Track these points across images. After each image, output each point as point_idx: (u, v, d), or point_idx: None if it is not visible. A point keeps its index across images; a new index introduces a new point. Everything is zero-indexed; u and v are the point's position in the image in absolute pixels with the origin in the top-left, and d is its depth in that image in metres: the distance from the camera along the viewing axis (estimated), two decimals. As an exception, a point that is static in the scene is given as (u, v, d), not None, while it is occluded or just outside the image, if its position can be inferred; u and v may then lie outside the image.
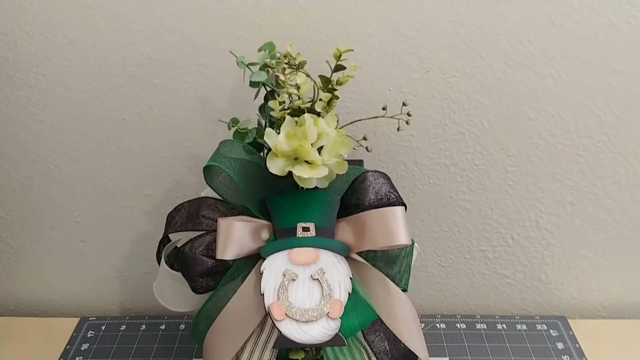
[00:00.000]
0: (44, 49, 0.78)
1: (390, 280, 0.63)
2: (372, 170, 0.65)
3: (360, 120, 0.70)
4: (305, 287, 0.60)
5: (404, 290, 0.64)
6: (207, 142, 0.81)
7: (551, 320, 0.86)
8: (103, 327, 0.87)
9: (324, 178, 0.63)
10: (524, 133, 0.80)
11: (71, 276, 0.91)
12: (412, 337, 0.63)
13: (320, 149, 0.61)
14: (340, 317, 0.59)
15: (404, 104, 0.68)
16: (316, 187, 0.65)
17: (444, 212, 0.85)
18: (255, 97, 0.66)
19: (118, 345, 0.83)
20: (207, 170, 0.63)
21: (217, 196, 0.66)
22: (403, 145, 0.81)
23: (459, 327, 0.85)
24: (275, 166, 0.60)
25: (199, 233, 0.64)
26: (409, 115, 0.68)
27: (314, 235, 0.62)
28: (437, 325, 0.86)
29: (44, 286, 0.92)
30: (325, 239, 0.62)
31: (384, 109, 0.68)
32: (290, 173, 0.61)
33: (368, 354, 0.64)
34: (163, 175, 0.84)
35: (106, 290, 0.92)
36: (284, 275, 0.60)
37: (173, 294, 0.69)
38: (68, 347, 0.83)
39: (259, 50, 0.68)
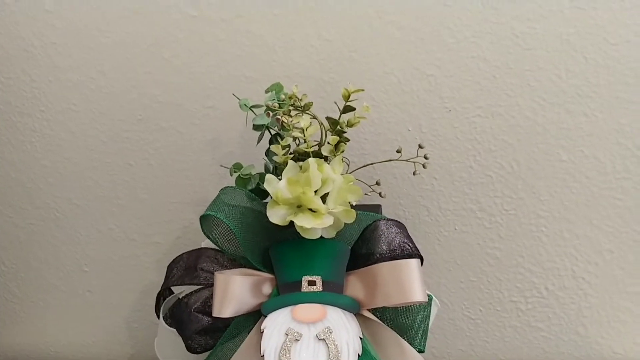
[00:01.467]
0: (47, 93, 0.75)
1: (405, 340, 0.57)
2: (384, 218, 0.60)
3: (373, 163, 0.65)
4: (310, 349, 0.54)
5: (421, 351, 0.58)
6: (217, 186, 0.76)
7: (592, 378, 0.79)
8: (109, 383, 0.83)
9: (330, 228, 0.58)
10: (556, 175, 0.73)
11: (78, 327, 0.87)
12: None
13: (326, 197, 0.57)
14: (348, 383, 0.53)
15: (420, 147, 0.62)
16: (322, 236, 0.60)
17: (472, 261, 0.78)
18: (259, 142, 0.62)
19: (123, 403, 0.79)
20: (205, 220, 0.58)
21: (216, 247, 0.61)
22: (425, 189, 0.75)
23: (489, 385, 0.79)
24: (276, 215, 0.56)
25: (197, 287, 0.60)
26: (426, 158, 0.63)
27: (321, 289, 0.57)
28: (466, 384, 0.79)
29: (49, 337, 0.88)
30: (333, 294, 0.57)
31: (398, 151, 0.63)
32: (292, 222, 0.57)
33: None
34: (171, 221, 0.80)
35: (114, 342, 0.87)
36: (287, 334, 0.55)
37: (173, 350, 0.64)
38: (71, 404, 0.79)
39: (266, 91, 0.64)
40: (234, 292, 0.57)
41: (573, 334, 0.81)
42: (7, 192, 0.81)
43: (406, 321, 0.58)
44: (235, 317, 0.58)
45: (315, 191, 0.56)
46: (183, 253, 0.63)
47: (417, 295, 0.54)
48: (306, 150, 0.58)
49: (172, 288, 0.65)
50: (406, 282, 0.55)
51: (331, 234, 0.58)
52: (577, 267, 0.77)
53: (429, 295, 0.59)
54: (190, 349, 0.59)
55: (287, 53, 0.72)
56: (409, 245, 0.58)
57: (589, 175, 0.73)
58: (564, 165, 0.73)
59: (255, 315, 0.57)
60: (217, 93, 0.73)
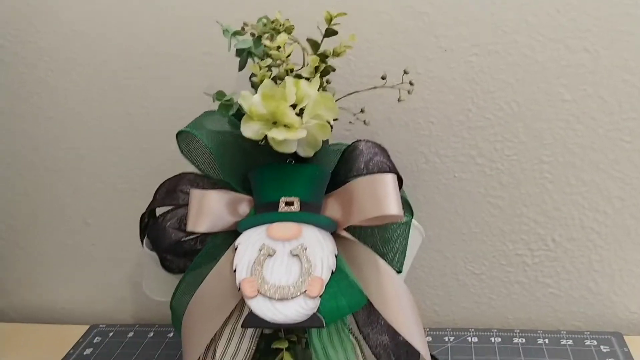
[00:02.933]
0: (50, 42, 0.77)
1: (383, 259, 0.56)
2: (364, 140, 0.58)
3: (357, 92, 0.63)
4: (283, 264, 0.53)
5: (398, 271, 0.56)
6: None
7: (603, 336, 0.74)
8: (111, 334, 0.83)
9: (307, 146, 0.57)
10: (559, 117, 0.71)
11: (82, 282, 0.88)
12: (407, 324, 0.54)
13: (302, 114, 0.56)
14: (320, 297, 0.52)
15: (405, 72, 0.61)
16: (304, 160, 0.59)
17: (473, 211, 0.76)
18: (241, 68, 0.61)
19: (122, 351, 0.78)
20: (182, 138, 0.58)
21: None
22: (422, 135, 0.74)
23: (493, 340, 0.75)
24: (250, 130, 0.55)
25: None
26: (411, 84, 0.61)
27: (298, 210, 0.56)
28: (469, 338, 0.76)
29: (54, 293, 0.89)
30: (309, 214, 0.56)
31: (383, 78, 0.61)
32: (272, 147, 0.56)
33: (361, 348, 0.56)
34: (172, 171, 0.80)
35: (117, 298, 0.88)
36: (260, 250, 0.54)
37: (156, 281, 0.64)
38: (71, 351, 0.79)
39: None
40: (210, 206, 0.56)
41: (584, 289, 0.77)
42: (14, 145, 0.83)
43: (382, 240, 0.56)
44: (210, 237, 0.58)
45: (292, 107, 0.55)
46: (166, 179, 0.63)
47: (392, 208, 0.52)
48: (285, 69, 0.57)
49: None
50: (381, 196, 0.53)
51: (308, 153, 0.57)
52: (585, 216, 0.74)
53: (410, 218, 0.58)
54: (165, 266, 0.58)
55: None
56: (387, 165, 0.57)
57: (594, 116, 0.70)
58: (566, 106, 0.70)
59: (231, 239, 0.56)
60: (211, 39, 0.74)
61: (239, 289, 0.52)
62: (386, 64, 0.71)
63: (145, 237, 0.63)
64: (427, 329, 0.78)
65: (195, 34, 0.74)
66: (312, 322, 0.51)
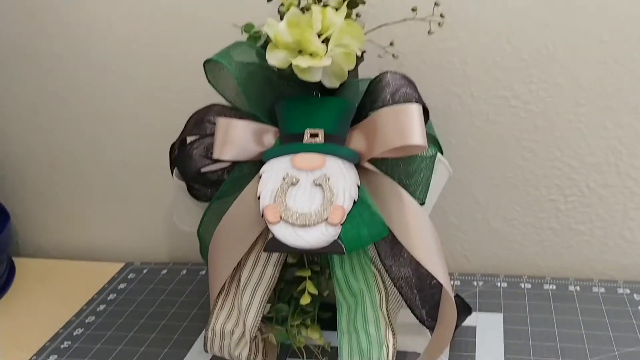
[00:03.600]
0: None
1: (406, 191, 0.55)
2: (391, 71, 0.58)
3: (386, 24, 0.63)
4: (306, 193, 0.54)
5: (421, 203, 0.56)
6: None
7: (638, 285, 0.73)
8: (145, 271, 0.85)
9: (333, 76, 0.57)
10: (597, 58, 0.69)
11: (120, 222, 0.90)
12: (429, 255, 0.54)
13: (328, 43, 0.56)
14: (341, 225, 0.52)
15: (435, 4, 0.60)
16: (330, 93, 0.59)
17: (506, 155, 0.75)
18: (270, -1, 0.61)
19: (155, 286, 0.81)
20: (209, 67, 0.59)
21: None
22: (456, 75, 0.73)
23: (523, 286, 0.74)
24: (275, 58, 0.55)
25: (202, 138, 0.60)
26: (442, 16, 0.60)
27: (322, 142, 0.56)
28: (498, 284, 0.75)
29: (93, 232, 0.92)
30: (333, 146, 0.56)
31: (413, 9, 0.61)
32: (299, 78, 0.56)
33: (383, 279, 0.56)
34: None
35: (154, 237, 0.90)
36: (284, 179, 0.54)
37: (186, 211, 0.65)
38: (106, 286, 0.82)
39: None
40: (236, 135, 0.57)
41: (619, 238, 0.75)
42: (55, 84, 0.85)
43: (406, 172, 0.56)
44: (236, 166, 0.58)
45: (318, 36, 0.55)
46: (196, 111, 0.63)
47: (416, 138, 0.52)
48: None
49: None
50: (405, 126, 0.53)
51: (334, 83, 0.57)
52: (621, 162, 0.72)
53: (436, 152, 0.57)
54: (193, 194, 0.60)
55: None
56: (414, 96, 0.56)
57: (634, 57, 0.68)
58: (605, 47, 0.68)
59: (256, 169, 0.57)
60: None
61: (262, 215, 0.53)
62: (423, 8, 0.70)
63: (175, 167, 0.64)
64: (456, 274, 0.78)
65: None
66: (333, 248, 0.52)
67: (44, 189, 0.92)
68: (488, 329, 0.67)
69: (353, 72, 0.65)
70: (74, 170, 0.90)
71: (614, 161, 0.72)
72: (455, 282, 0.76)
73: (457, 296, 0.66)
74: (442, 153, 0.61)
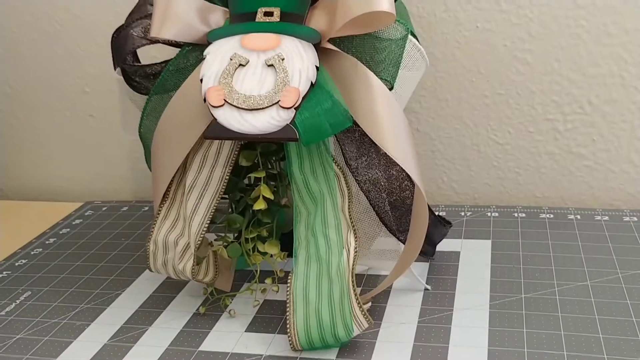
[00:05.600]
0: None
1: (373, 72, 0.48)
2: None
3: None
4: (256, 74, 0.47)
5: (390, 87, 0.48)
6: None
7: (644, 212, 0.65)
8: (104, 209, 0.78)
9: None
10: (598, -49, 0.61)
11: (81, 159, 0.83)
12: (399, 146, 0.47)
13: None
14: (295, 109, 0.45)
15: None
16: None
17: (498, 68, 0.67)
18: None
19: (112, 221, 0.73)
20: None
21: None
22: (441, -23, 0.65)
23: (516, 215, 0.67)
24: None
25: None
26: None
27: (278, 20, 0.49)
28: (488, 214, 0.68)
29: (52, 170, 0.85)
30: (289, 24, 0.49)
31: None
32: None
33: (347, 181, 0.49)
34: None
35: (117, 176, 0.82)
36: (231, 59, 0.47)
37: (131, 113, 0.58)
38: (60, 222, 0.75)
39: None
40: (177, 10, 0.49)
41: (625, 162, 0.67)
42: (7, 3, 0.78)
43: (373, 51, 0.48)
44: (178, 54, 0.51)
45: None
46: (142, -2, 0.56)
47: (383, 3, 0.45)
48: None
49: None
50: (370, -10, 0.45)
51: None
52: (627, 72, 0.64)
53: (408, 31, 0.49)
54: (133, 86, 0.52)
55: None
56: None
57: (639, -51, 0.60)
58: (607, -63, 0.61)
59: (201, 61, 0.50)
60: None
61: (204, 99, 0.46)
62: None
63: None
64: (442, 206, 0.70)
65: None
66: (285, 133, 0.45)
67: (1, 127, 0.85)
68: (473, 254, 0.60)
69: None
70: (31, 104, 0.82)
71: (619, 72, 0.64)
72: (441, 213, 0.68)
73: (436, 215, 0.58)
74: (414, 35, 0.53)
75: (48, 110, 0.82)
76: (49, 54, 0.79)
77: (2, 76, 0.82)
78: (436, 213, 0.67)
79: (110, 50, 0.56)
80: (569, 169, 0.69)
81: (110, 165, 0.82)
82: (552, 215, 0.66)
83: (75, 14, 0.76)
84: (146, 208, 0.76)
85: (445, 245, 0.59)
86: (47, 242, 0.70)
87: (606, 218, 0.65)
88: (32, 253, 0.67)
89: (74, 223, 0.74)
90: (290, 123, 0.44)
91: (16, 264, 0.65)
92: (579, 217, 0.65)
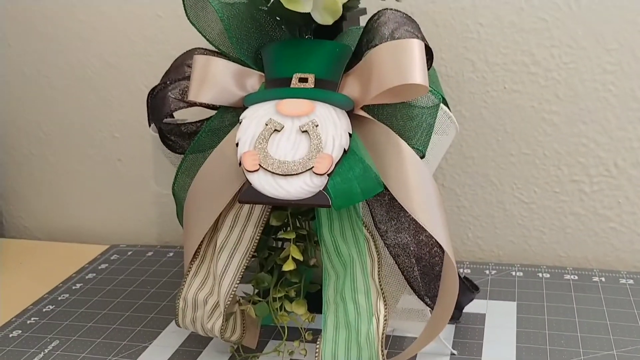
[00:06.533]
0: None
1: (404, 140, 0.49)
2: (392, 8, 0.51)
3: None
4: (290, 140, 0.47)
5: (422, 156, 0.49)
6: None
7: (671, 277, 0.65)
8: (129, 253, 0.79)
9: (325, 10, 0.50)
10: (627, 17, 0.62)
11: (108, 201, 0.84)
12: (430, 214, 0.47)
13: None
14: (328, 175, 0.45)
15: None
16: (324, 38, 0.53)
17: (524, 128, 0.68)
18: None
19: (137, 267, 0.74)
20: (189, 3, 0.53)
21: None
22: (470, 38, 0.66)
23: (540, 276, 0.67)
24: (261, -14, 0.49)
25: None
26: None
27: (312, 87, 0.50)
28: (513, 273, 0.68)
29: (80, 212, 0.86)
30: (324, 91, 0.49)
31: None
32: (290, 17, 0.50)
33: (376, 244, 0.50)
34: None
35: (143, 219, 0.83)
36: (267, 124, 0.48)
37: (164, 168, 0.59)
38: (86, 266, 0.76)
39: None
40: (215, 75, 0.51)
41: (650, 225, 0.67)
42: (43, 50, 0.80)
43: (405, 119, 0.49)
44: (215, 116, 0.52)
45: (309, -34, 0.49)
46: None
47: (416, 76, 0.46)
48: None
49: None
50: (404, 62, 0.46)
51: (326, 20, 0.51)
52: (654, 137, 0.65)
53: (440, 100, 0.50)
54: (168, 145, 0.53)
55: None
56: (416, 36, 0.50)
57: (668, 17, 0.61)
58: (636, 4, 0.61)
59: (238, 118, 0.51)
60: None
61: (240, 163, 0.47)
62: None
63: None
64: (467, 263, 0.70)
65: None
66: (318, 199, 0.45)
67: (31, 167, 0.87)
68: (499, 317, 0.60)
69: (353, 22, 0.59)
70: (62, 147, 0.84)
71: (646, 136, 0.65)
72: (465, 271, 0.69)
73: (464, 277, 0.58)
74: (445, 102, 0.54)
75: (78, 154, 0.84)
76: (82, 100, 0.81)
77: (36, 120, 0.84)
78: (461, 270, 0.68)
79: (144, 104, 0.57)
80: (594, 230, 0.69)
81: (136, 209, 0.84)
82: (576, 277, 0.66)
83: (108, 62, 0.78)
84: (171, 254, 0.77)
85: (471, 306, 0.59)
86: (73, 287, 0.71)
87: (631, 282, 0.65)
88: (59, 299, 0.68)
89: (100, 268, 0.75)
90: (322, 189, 0.45)
91: (44, 309, 0.66)
92: (603, 279, 0.65)
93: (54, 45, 0.80)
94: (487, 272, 0.68)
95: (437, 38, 0.67)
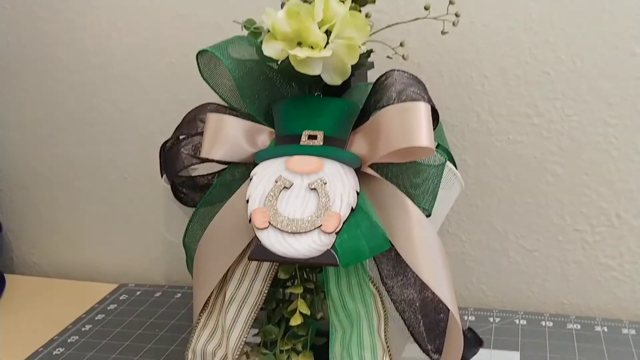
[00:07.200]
0: (98, -13, 0.76)
1: (411, 200, 0.50)
2: (399, 70, 0.53)
3: (396, 24, 0.58)
4: (299, 197, 0.49)
5: (427, 214, 0.50)
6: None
7: (673, 327, 0.66)
8: (138, 292, 0.80)
9: (334, 71, 0.52)
10: (629, 73, 0.63)
11: (117, 240, 0.85)
12: (435, 274, 0.48)
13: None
14: (336, 234, 0.47)
15: (450, 2, 0.56)
16: (332, 95, 0.55)
17: (528, 178, 0.69)
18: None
19: (146, 308, 0.75)
20: (203, 60, 0.54)
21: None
22: (475, 90, 0.68)
23: (544, 324, 0.67)
24: (272, 49, 0.51)
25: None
26: (457, 15, 0.56)
27: (321, 144, 0.51)
28: (516, 321, 0.68)
29: (90, 250, 0.87)
30: (332, 148, 0.51)
31: (426, 8, 0.56)
32: (300, 76, 0.52)
33: (382, 300, 0.51)
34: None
35: (151, 258, 0.85)
36: (276, 182, 0.49)
37: (175, 219, 0.60)
38: (96, 305, 0.77)
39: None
40: (227, 132, 0.52)
41: (652, 275, 0.68)
42: (58, 95, 0.82)
43: (411, 179, 0.50)
44: (226, 168, 0.54)
45: (320, 27, 0.51)
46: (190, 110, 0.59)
47: (423, 140, 0.47)
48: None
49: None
50: (411, 125, 0.47)
51: (335, 80, 0.52)
52: (655, 189, 0.66)
53: (445, 160, 0.52)
54: (179, 198, 0.55)
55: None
56: (423, 97, 0.51)
57: (669, 74, 0.63)
58: (636, 61, 0.63)
59: (248, 173, 0.52)
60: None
61: (250, 220, 0.48)
62: (439, 8, 0.66)
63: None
64: (471, 309, 0.71)
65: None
66: (326, 259, 0.46)
67: (42, 206, 0.88)
68: (503, 367, 0.61)
69: (361, 78, 0.61)
70: (73, 188, 0.86)
71: (647, 188, 0.66)
72: (470, 318, 0.70)
73: (468, 329, 0.59)
74: (454, 164, 0.56)
75: (89, 195, 0.85)
76: (94, 142, 0.83)
77: (47, 161, 0.85)
78: (465, 317, 0.69)
79: (154, 147, 0.59)
80: (597, 279, 0.70)
81: (145, 248, 0.85)
82: (579, 326, 0.67)
83: (120, 107, 0.80)
84: (179, 295, 0.78)
85: (475, 356, 0.60)
86: (83, 329, 0.72)
87: (633, 332, 0.65)
88: (69, 341, 0.69)
89: (108, 308, 0.76)
90: (330, 247, 0.46)
91: (54, 352, 0.67)
92: (605, 329, 0.66)
93: (67, 89, 0.81)
94: (491, 319, 0.69)
95: (442, 88, 0.68)
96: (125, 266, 0.86)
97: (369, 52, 0.57)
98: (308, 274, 0.55)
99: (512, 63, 0.66)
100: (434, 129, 0.51)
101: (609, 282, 0.69)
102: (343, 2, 0.52)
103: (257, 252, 0.48)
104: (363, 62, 0.56)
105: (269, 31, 0.52)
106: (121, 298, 0.79)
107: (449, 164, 0.53)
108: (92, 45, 0.79)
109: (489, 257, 0.72)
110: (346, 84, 0.58)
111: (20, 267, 0.92)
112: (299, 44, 0.51)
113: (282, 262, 0.48)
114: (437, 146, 0.57)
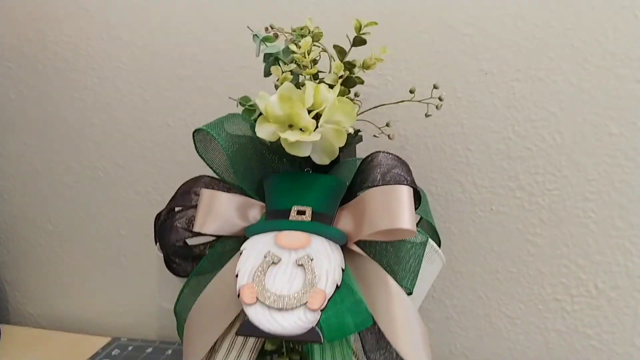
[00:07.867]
0: (99, 51, 0.79)
1: (393, 278, 0.52)
2: (384, 151, 0.56)
3: (383, 105, 0.61)
4: (286, 273, 0.51)
5: (409, 293, 0.52)
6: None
7: (648, 397, 0.67)
8: (130, 348, 0.81)
9: (323, 152, 0.55)
10: (606, 152, 0.66)
11: (111, 294, 0.87)
12: (414, 351, 0.50)
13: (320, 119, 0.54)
14: (321, 311, 0.49)
15: (434, 87, 0.59)
16: (322, 171, 0.57)
17: (510, 248, 0.71)
18: (266, 74, 0.60)
19: (136, 365, 0.77)
20: (199, 137, 0.57)
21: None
22: (459, 162, 0.70)
23: (523, 391, 0.69)
24: (264, 131, 0.53)
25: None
26: (440, 99, 0.59)
27: (309, 220, 0.54)
28: (497, 386, 0.70)
29: (83, 303, 0.89)
30: (320, 225, 0.53)
31: (411, 91, 0.59)
32: (291, 155, 0.54)
33: (366, 374, 0.53)
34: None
35: (143, 312, 0.86)
36: (265, 257, 0.51)
37: (168, 287, 0.62)
38: (87, 361, 0.79)
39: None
40: (220, 208, 0.55)
41: (628, 345, 0.70)
42: (58, 150, 0.85)
43: (395, 258, 0.53)
44: (218, 241, 0.56)
45: (309, 112, 0.53)
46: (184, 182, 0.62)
47: (405, 222, 0.49)
48: (309, 73, 0.56)
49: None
50: (394, 208, 0.50)
51: (324, 160, 0.55)
52: (632, 263, 0.68)
53: (427, 239, 0.54)
54: (172, 268, 0.57)
55: (319, 9, 0.71)
56: (406, 178, 0.54)
57: (644, 153, 0.65)
58: (613, 140, 0.66)
59: (239, 246, 0.54)
60: (250, 52, 0.74)
61: (239, 295, 0.50)
62: (425, 85, 0.69)
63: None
64: (454, 373, 0.73)
65: (236, 46, 0.74)
66: (310, 336, 0.48)
67: (38, 257, 0.90)
68: None
69: (350, 152, 0.63)
70: (70, 240, 0.88)
71: (624, 262, 0.68)
72: (452, 381, 0.71)
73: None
74: (439, 240, 0.58)
75: (85, 248, 0.87)
76: (91, 197, 0.85)
77: (45, 214, 0.88)
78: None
79: (150, 204, 0.61)
80: (575, 347, 0.72)
81: (137, 303, 0.86)
82: (558, 394, 0.69)
83: (118, 163, 0.82)
84: (169, 351, 0.80)
85: None
86: (74, 384, 0.73)
87: (610, 401, 0.67)
88: (60, 398, 0.71)
89: (99, 364, 0.78)
90: (315, 324, 0.48)
91: (44, 409, 0.69)
92: (584, 397, 0.68)
93: (67, 145, 0.84)
94: (473, 384, 0.71)
95: (428, 160, 0.71)
96: (119, 320, 0.88)
97: (357, 132, 0.60)
98: (294, 346, 0.57)
99: (496, 138, 0.69)
100: (416, 208, 0.53)
101: (588, 350, 0.71)
102: (332, 88, 0.55)
103: (244, 328, 0.49)
104: (350, 142, 0.58)
105: (261, 114, 0.55)
106: (113, 353, 0.80)
107: (430, 241, 0.55)
108: (92, 106, 0.81)
109: (472, 322, 0.74)
110: (335, 160, 0.61)
111: (15, 317, 0.94)
112: (290, 126, 0.53)
113: (268, 337, 0.50)
114: (420, 220, 0.60)
